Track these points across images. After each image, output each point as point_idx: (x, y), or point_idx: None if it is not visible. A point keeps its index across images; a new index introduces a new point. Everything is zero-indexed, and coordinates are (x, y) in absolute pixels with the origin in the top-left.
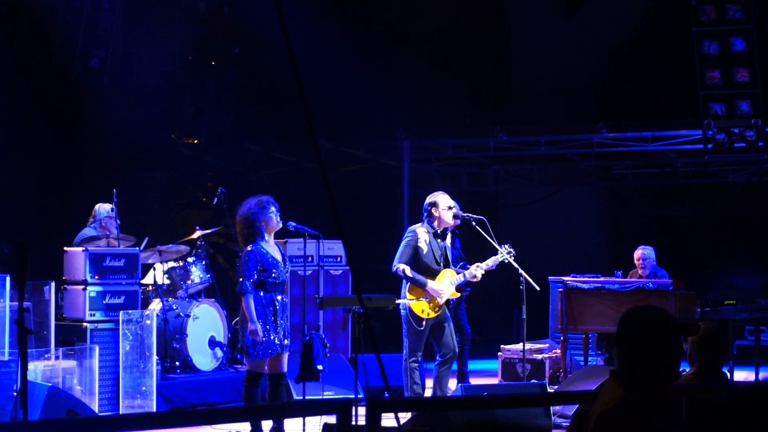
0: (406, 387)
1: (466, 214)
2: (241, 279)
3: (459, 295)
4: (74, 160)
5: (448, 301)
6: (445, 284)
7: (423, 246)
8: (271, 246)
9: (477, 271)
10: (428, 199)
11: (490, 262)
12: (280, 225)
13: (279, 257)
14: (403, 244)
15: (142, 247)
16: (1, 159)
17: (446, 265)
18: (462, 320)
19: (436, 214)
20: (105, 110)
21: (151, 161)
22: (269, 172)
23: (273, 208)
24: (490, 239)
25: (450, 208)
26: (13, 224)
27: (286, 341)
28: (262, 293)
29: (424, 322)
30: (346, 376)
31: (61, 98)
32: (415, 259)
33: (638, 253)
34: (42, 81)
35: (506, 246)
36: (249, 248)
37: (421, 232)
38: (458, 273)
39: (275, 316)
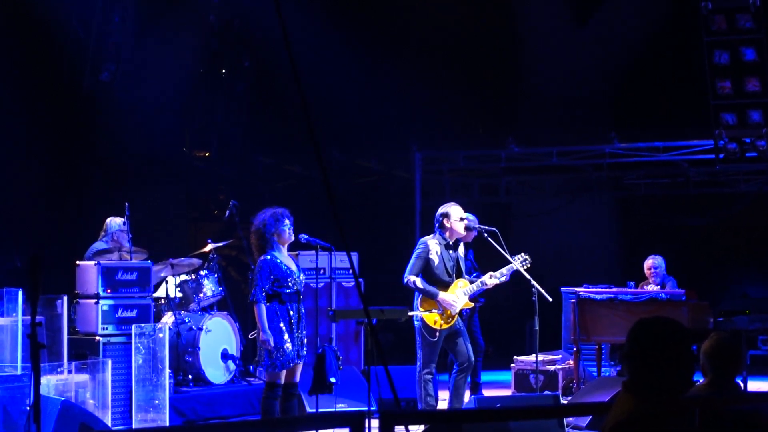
0: (420, 399)
1: (478, 226)
2: (253, 288)
3: (472, 305)
4: (85, 172)
5: (461, 312)
6: (458, 294)
7: (434, 257)
8: (284, 256)
9: (490, 280)
10: (440, 210)
11: (505, 270)
12: (292, 238)
13: (293, 267)
14: (414, 255)
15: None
16: (12, 172)
17: (459, 276)
18: (475, 332)
19: (447, 225)
20: (116, 122)
21: (163, 174)
22: (281, 184)
23: (287, 221)
24: (502, 250)
25: (462, 219)
26: (25, 237)
27: (303, 351)
28: (278, 304)
29: (437, 334)
30: (359, 388)
31: (71, 111)
32: (427, 270)
33: (648, 262)
34: (53, 94)
35: (520, 255)
36: (262, 258)
37: (433, 244)
38: (471, 283)
39: (292, 327)
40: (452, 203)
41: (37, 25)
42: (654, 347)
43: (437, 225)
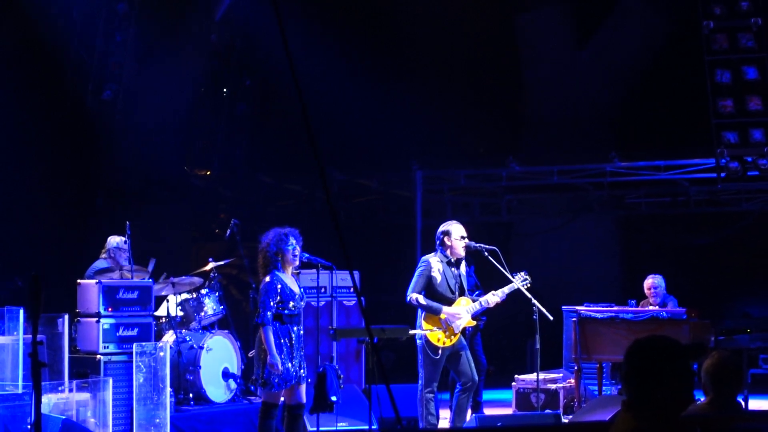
0: (421, 417)
1: (478, 245)
2: (260, 310)
3: (475, 323)
4: (88, 192)
5: (464, 330)
6: (461, 311)
7: (437, 275)
8: (288, 278)
9: (492, 298)
10: (441, 228)
11: (506, 289)
12: (296, 261)
13: (296, 289)
14: (416, 273)
15: (150, 267)
16: (15, 191)
17: (461, 294)
18: (478, 351)
19: (448, 243)
20: (118, 142)
21: (165, 193)
22: (282, 203)
23: (293, 241)
24: (502, 269)
25: (463, 237)
26: (27, 257)
27: (302, 372)
28: (278, 325)
29: (440, 351)
30: (359, 407)
31: (74, 131)
32: (430, 288)
33: (648, 282)
34: (55, 114)
35: (521, 274)
36: (267, 279)
37: (435, 262)
38: (474, 301)
39: (291, 348)
40: (453, 221)
41: (39, 44)
42: (650, 365)
43: (438, 243)
